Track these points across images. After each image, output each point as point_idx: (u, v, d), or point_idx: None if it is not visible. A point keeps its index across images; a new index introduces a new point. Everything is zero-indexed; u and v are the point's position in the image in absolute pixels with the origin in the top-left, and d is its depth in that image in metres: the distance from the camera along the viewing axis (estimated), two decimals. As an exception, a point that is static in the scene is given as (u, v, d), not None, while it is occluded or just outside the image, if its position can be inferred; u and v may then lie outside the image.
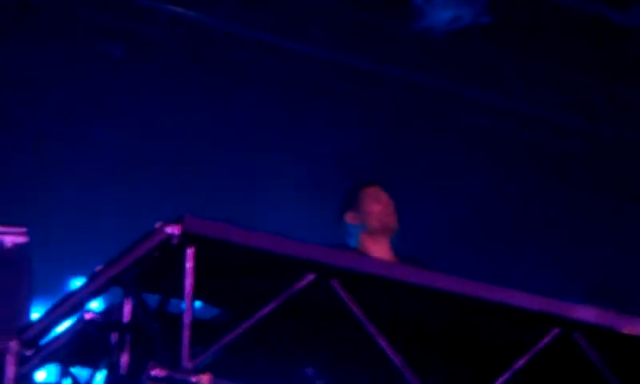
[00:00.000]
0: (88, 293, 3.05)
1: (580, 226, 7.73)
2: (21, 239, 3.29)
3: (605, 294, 6.13)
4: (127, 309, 2.97)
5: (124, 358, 2.99)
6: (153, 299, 3.11)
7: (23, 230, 3.35)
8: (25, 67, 6.53)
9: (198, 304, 3.14)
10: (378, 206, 4.49)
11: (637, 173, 7.74)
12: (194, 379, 2.67)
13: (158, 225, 2.72)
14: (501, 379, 2.93)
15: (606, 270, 7.44)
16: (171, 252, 2.73)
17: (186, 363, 2.67)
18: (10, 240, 3.25)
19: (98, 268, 2.96)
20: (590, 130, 7.79)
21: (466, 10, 6.94)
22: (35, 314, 3.55)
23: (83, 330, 3.02)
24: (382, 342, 2.87)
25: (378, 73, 7.27)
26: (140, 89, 6.75)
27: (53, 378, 3.54)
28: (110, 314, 3.00)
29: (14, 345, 2.98)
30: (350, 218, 4.50)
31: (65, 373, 3.47)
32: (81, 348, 3.18)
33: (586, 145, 7.82)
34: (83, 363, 3.43)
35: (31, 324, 3.27)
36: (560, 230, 7.78)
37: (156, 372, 2.63)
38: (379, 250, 4.39)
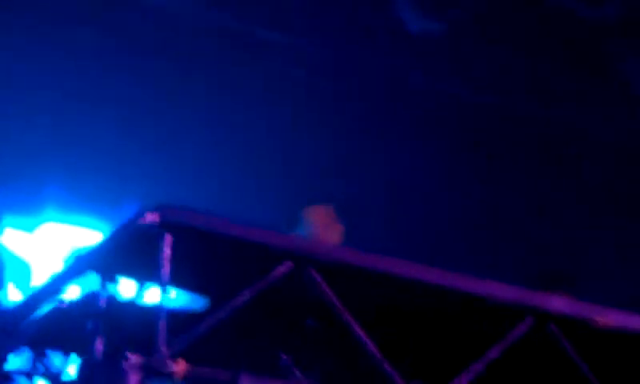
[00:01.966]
0: (66, 279, 3.05)
1: (524, 215, 7.78)
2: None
3: (553, 281, 6.23)
4: (104, 296, 2.98)
5: (99, 345, 2.99)
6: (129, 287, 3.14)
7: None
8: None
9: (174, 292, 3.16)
10: (321, 216, 4.65)
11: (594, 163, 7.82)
12: (170, 366, 2.69)
13: (136, 212, 2.73)
14: (474, 368, 2.97)
15: (552, 257, 7.52)
16: (149, 239, 2.73)
17: (163, 350, 2.68)
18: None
19: (77, 254, 2.97)
20: (545, 116, 7.82)
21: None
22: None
23: (59, 316, 3.03)
24: (358, 331, 2.90)
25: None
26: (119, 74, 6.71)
27: (26, 364, 3.54)
28: (87, 300, 3.01)
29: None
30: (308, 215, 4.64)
31: (39, 358, 3.48)
32: (56, 334, 3.18)
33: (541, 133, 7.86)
34: (58, 349, 3.44)
35: (7, 310, 3.27)
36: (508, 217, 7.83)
37: (133, 358, 2.64)
38: None
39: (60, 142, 6.70)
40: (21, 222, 6.82)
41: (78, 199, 6.87)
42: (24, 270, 6.69)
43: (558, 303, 3.09)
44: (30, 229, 6.98)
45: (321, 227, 4.53)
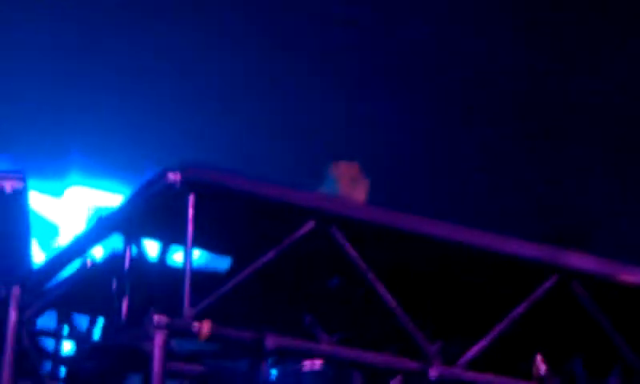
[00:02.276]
0: (90, 239, 3.06)
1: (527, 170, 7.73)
2: (19, 184, 3.29)
3: (563, 238, 6.21)
4: (128, 256, 2.99)
5: (124, 305, 3.01)
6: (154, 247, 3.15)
7: (20, 175, 3.34)
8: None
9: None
10: (346, 171, 4.63)
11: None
12: (195, 325, 2.69)
13: (160, 171, 2.73)
14: (499, 326, 2.96)
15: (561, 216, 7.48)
16: (173, 199, 2.74)
17: (188, 310, 2.69)
18: (9, 185, 3.24)
19: (100, 215, 2.97)
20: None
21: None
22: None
23: (84, 277, 3.04)
24: (382, 290, 2.90)
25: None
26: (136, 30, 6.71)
27: (52, 325, 3.56)
28: (112, 261, 3.02)
29: (16, 291, 2.99)
30: (322, 191, 4.61)
31: (64, 319, 3.50)
32: (81, 295, 3.20)
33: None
34: (83, 310, 3.46)
35: (33, 270, 3.29)
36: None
37: (158, 318, 2.65)
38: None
39: (83, 108, 6.71)
40: (46, 186, 6.88)
41: (102, 164, 6.90)
42: (51, 231, 6.76)
43: (582, 261, 3.08)
44: (55, 193, 7.04)
45: (346, 183, 4.50)
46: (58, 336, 3.55)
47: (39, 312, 3.23)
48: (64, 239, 6.38)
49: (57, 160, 6.84)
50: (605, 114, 7.65)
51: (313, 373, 3.44)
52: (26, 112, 6.63)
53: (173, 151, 6.18)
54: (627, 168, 7.71)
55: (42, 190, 6.79)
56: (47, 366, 3.52)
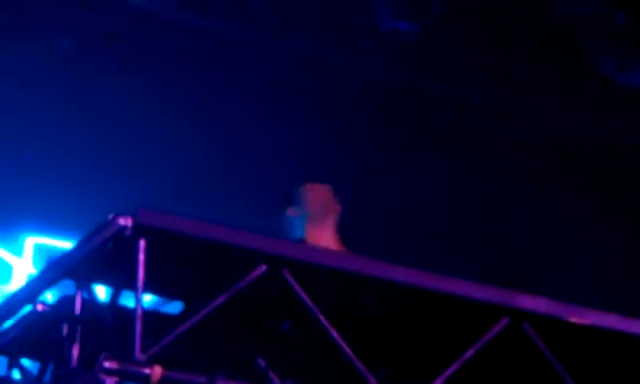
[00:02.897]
0: (41, 285, 3.05)
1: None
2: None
3: (502, 274, 6.28)
4: (79, 301, 2.98)
5: (75, 351, 2.99)
6: (104, 292, 3.13)
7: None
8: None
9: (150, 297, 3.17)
10: (318, 194, 4.59)
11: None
12: (146, 371, 2.69)
13: (110, 216, 2.73)
14: (450, 369, 2.99)
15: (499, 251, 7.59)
16: (124, 244, 2.74)
17: (139, 355, 2.69)
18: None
19: (50, 260, 2.96)
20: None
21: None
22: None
23: (34, 322, 3.02)
24: (333, 333, 2.91)
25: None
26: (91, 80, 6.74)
27: (1, 371, 3.52)
28: (62, 306, 3.00)
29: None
30: (291, 212, 4.56)
31: (14, 365, 3.47)
32: (31, 340, 3.18)
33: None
34: (33, 356, 3.43)
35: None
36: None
37: (109, 364, 2.65)
38: (326, 237, 4.46)
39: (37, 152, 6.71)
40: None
41: (57, 213, 6.86)
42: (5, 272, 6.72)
43: (533, 302, 3.12)
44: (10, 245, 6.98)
45: (317, 206, 4.50)
46: (7, 382, 3.52)
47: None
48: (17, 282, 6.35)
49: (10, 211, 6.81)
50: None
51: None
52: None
53: (129, 196, 6.19)
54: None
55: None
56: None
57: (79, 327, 2.99)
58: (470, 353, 3.02)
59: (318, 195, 4.55)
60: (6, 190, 6.46)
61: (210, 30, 7.02)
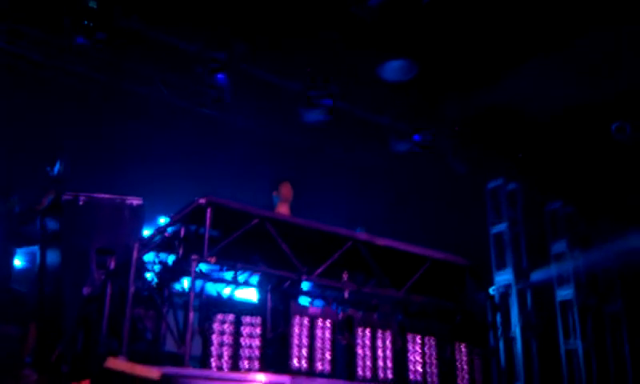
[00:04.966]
0: (171, 222, 7.37)
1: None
2: (139, 201, 7.65)
3: None
4: (182, 231, 7.30)
5: (181, 250, 7.30)
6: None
7: (140, 198, 7.73)
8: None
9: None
10: (286, 190, 9.13)
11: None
12: (211, 260, 6.99)
13: (197, 198, 7.00)
14: (325, 265, 7.25)
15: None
16: (201, 209, 6.99)
17: (206, 252, 6.94)
18: (135, 202, 7.60)
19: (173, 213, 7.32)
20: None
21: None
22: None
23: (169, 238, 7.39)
24: (284, 246, 7.19)
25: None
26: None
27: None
28: (177, 231, 7.34)
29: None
30: (275, 193, 9.14)
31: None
32: (167, 242, 7.52)
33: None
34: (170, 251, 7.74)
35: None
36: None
37: (195, 256, 6.89)
38: (285, 209, 9.01)
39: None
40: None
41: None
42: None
43: (363, 235, 7.39)
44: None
45: (284, 193, 9.05)
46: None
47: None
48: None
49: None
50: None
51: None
52: None
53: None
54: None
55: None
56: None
57: (183, 239, 7.29)
58: (332, 259, 7.27)
59: (285, 189, 9.01)
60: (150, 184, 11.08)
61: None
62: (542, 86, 11.28)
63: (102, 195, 8.11)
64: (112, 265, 7.26)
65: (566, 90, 11.30)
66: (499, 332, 12.67)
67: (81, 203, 7.76)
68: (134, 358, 6.28)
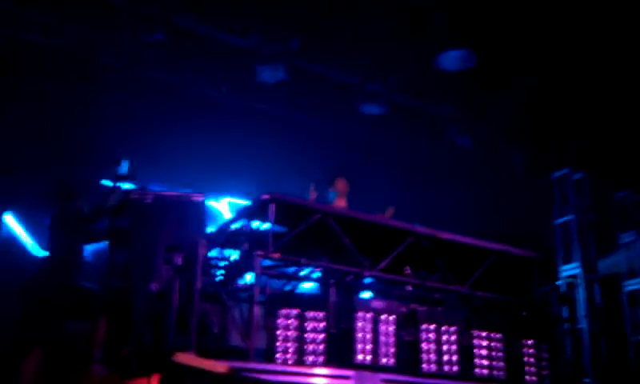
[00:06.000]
0: (235, 219, 7.49)
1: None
2: (201, 197, 7.79)
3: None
4: (247, 227, 7.41)
5: (246, 245, 7.43)
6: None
7: (202, 193, 7.87)
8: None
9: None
10: (341, 184, 9.19)
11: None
12: (275, 255, 7.09)
13: (262, 194, 7.09)
14: (388, 259, 7.29)
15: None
16: (265, 205, 7.08)
17: (270, 248, 7.05)
18: (197, 198, 7.74)
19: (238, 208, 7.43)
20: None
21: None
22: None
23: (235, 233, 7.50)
24: (346, 241, 7.25)
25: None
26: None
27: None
28: (243, 228, 7.45)
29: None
30: (332, 189, 9.21)
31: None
32: (233, 239, 7.64)
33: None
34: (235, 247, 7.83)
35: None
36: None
37: (259, 252, 6.98)
38: (342, 204, 9.09)
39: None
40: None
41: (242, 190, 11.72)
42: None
43: (422, 229, 7.40)
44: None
45: (341, 188, 9.09)
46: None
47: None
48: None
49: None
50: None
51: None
52: None
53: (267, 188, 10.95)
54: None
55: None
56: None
57: (247, 235, 7.40)
58: (396, 252, 7.31)
59: (341, 183, 9.06)
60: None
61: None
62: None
63: (168, 192, 8.27)
64: (179, 261, 7.38)
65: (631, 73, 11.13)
66: (566, 326, 12.55)
67: (148, 201, 7.93)
68: (200, 353, 6.38)
